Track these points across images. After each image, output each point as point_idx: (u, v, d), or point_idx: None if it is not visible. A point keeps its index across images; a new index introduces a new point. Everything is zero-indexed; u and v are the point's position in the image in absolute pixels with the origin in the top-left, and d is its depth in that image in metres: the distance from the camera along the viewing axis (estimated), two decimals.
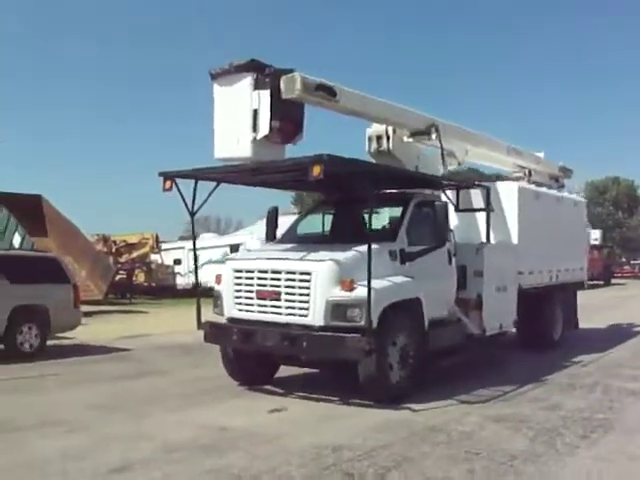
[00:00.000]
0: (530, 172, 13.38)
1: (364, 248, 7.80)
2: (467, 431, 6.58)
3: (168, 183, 8.03)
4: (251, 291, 8.09)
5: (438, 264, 8.92)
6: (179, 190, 8.24)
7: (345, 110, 8.31)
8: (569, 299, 13.14)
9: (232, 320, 8.27)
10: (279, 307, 7.84)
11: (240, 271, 8.27)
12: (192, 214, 8.52)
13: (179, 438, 6.32)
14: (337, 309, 7.38)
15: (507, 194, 10.86)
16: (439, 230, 9.01)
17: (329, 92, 7.66)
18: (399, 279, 7.97)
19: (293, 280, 7.73)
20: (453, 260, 9.23)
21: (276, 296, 7.84)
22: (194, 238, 10.02)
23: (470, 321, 9.53)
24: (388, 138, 9.65)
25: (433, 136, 9.53)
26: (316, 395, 8.03)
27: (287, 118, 7.57)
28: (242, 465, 5.52)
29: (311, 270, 7.62)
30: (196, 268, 10.00)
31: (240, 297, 8.21)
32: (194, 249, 9.60)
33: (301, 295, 7.65)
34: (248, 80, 7.54)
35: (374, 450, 5.90)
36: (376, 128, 9.78)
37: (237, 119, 7.64)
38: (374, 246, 7.86)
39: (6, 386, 8.96)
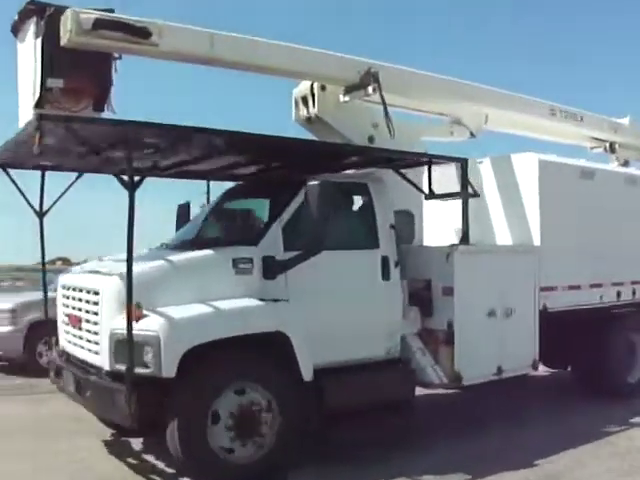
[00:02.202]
0: (612, 146, 9.49)
1: (190, 255, 5.27)
2: None
3: None
4: (64, 314, 5.93)
5: (355, 278, 5.95)
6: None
7: (183, 56, 5.71)
8: None
9: (61, 352, 6.13)
10: (81, 338, 5.54)
11: (63, 287, 6.10)
12: (40, 215, 6.49)
13: None
14: (120, 346, 4.89)
15: (524, 172, 7.38)
16: (360, 227, 6.15)
17: (134, 32, 5.18)
18: (242, 303, 5.21)
19: (86, 302, 5.38)
20: (395, 272, 6.17)
21: (78, 323, 5.54)
22: (42, 249, 6.58)
23: (438, 363, 6.37)
24: (313, 99, 6.85)
25: (370, 89, 6.51)
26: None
27: (78, 75, 5.22)
28: None
29: (98, 288, 5.21)
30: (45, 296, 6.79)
31: (61, 321, 6.08)
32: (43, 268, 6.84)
33: (90, 323, 5.29)
34: (32, 28, 5.35)
35: None
36: (301, 87, 7.02)
37: (25, 81, 5.51)
38: (206, 252, 5.32)
39: None
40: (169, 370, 4.78)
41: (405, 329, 6.38)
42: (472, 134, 8.16)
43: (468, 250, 6.53)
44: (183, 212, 7.38)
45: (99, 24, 4.97)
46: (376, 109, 7.15)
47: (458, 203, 7.47)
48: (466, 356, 6.42)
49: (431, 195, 6.86)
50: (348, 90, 6.70)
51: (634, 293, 8.32)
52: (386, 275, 6.10)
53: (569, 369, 8.56)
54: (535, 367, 7.14)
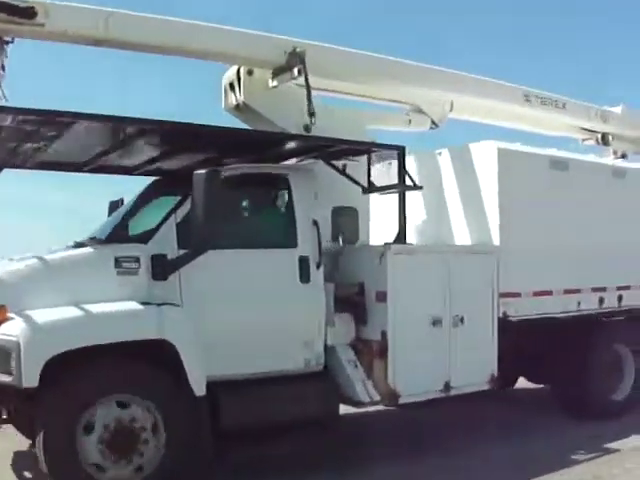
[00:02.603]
0: (605, 137, 8.57)
1: (66, 254, 4.73)
2: None
3: None
4: None
5: (265, 280, 5.27)
6: None
7: (73, 38, 5.13)
8: None
9: None
10: None
11: None
12: None
13: None
14: None
15: (482, 163, 6.57)
16: (276, 224, 5.50)
17: (18, 12, 4.66)
18: (120, 306, 4.57)
19: None
20: (317, 274, 5.46)
21: None
22: None
23: (372, 378, 5.62)
24: (240, 85, 6.21)
25: (295, 71, 5.84)
26: None
27: None
28: None
29: None
30: None
31: None
32: None
33: None
34: None
35: None
36: (228, 72, 6.39)
37: None
38: (84, 250, 4.80)
39: None
40: (30, 379, 4.20)
41: (334, 339, 5.66)
42: (434, 123, 7.41)
43: (405, 250, 5.77)
44: (114, 209, 6.84)
45: None
46: (317, 96, 6.54)
47: (418, 199, 6.81)
48: (404, 370, 5.66)
49: (370, 189, 6.13)
50: (275, 73, 6.05)
51: (620, 299, 7.37)
52: (305, 277, 5.39)
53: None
54: (493, 384, 6.29)
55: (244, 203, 5.43)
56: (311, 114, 5.85)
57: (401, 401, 5.71)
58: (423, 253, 5.95)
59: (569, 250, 6.77)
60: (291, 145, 5.83)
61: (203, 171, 4.67)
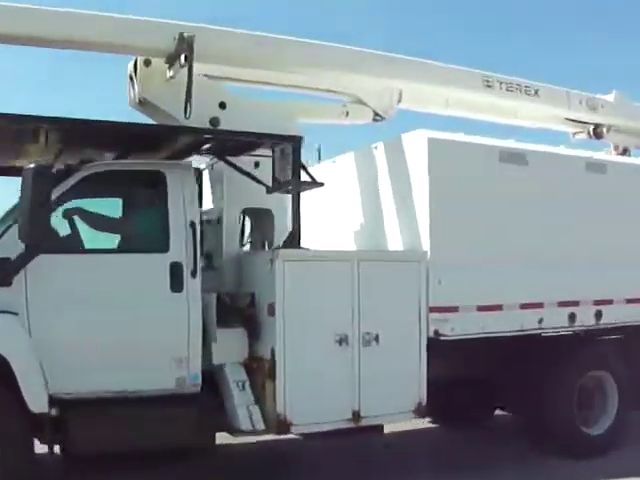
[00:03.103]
0: (598, 129, 7.48)
1: None
2: None
3: None
4: None
5: (127, 289, 4.64)
6: None
7: None
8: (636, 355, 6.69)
9: None
10: None
11: None
12: None
13: None
14: None
15: (413, 156, 5.70)
16: (145, 226, 4.92)
17: None
18: None
19: None
20: (192, 283, 4.78)
21: None
22: None
23: (260, 402, 4.88)
24: (136, 76, 5.66)
25: (182, 58, 5.22)
26: None
27: None
28: None
29: None
30: None
31: None
32: None
33: None
34: None
35: None
36: (129, 64, 5.86)
37: None
38: None
39: None
40: None
41: (222, 357, 4.98)
42: (378, 115, 6.59)
43: (298, 256, 5.00)
44: None
45: None
46: (227, 86, 5.94)
47: (356, 199, 6.11)
48: (298, 395, 4.88)
49: (275, 187, 5.41)
50: (169, 62, 5.47)
51: (599, 317, 6.25)
52: (177, 286, 4.74)
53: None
54: (421, 413, 5.40)
55: (107, 202, 4.88)
56: (186, 108, 5.21)
57: (294, 430, 4.93)
58: (322, 260, 5.15)
59: (527, 257, 5.79)
60: (182, 140, 5.24)
61: (32, 166, 4.14)
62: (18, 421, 4.15)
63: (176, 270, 4.74)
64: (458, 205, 5.56)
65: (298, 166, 5.07)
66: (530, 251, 5.82)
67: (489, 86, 6.67)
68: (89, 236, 4.71)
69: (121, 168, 4.97)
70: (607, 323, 6.31)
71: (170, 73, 5.54)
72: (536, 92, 6.94)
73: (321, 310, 5.01)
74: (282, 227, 5.64)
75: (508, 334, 5.78)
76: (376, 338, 5.17)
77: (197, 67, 5.51)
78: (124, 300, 4.60)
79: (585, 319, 6.18)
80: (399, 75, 6.37)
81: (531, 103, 6.96)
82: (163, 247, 4.77)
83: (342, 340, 5.05)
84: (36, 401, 4.19)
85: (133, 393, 4.55)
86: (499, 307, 5.73)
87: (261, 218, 5.82)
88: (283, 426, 4.86)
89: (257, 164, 5.68)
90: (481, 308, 5.64)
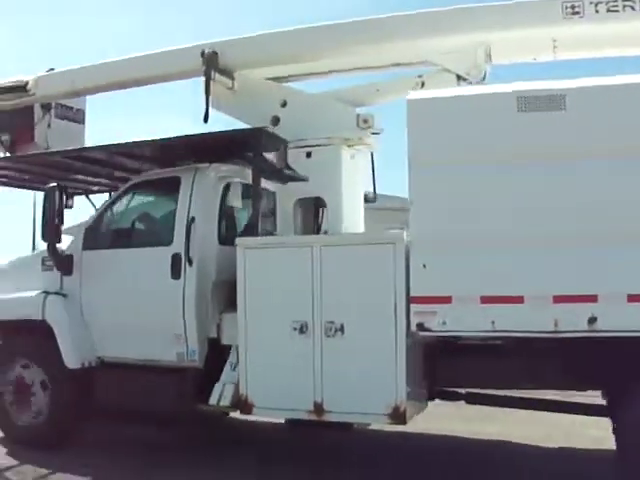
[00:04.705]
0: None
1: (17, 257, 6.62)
2: None
3: None
4: None
5: (144, 276, 5.70)
6: None
7: (56, 97, 6.77)
8: None
9: None
10: None
11: None
12: None
13: None
14: None
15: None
16: (160, 224, 5.97)
17: (16, 90, 6.80)
18: (30, 295, 5.96)
19: None
20: (189, 271, 5.47)
21: None
22: None
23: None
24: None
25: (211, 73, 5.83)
26: None
27: (16, 127, 7.14)
28: None
29: None
30: None
31: None
32: None
33: None
34: None
35: None
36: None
37: None
38: (29, 254, 6.59)
39: None
40: None
41: (229, 338, 5.46)
42: (461, 78, 5.66)
43: (257, 243, 5.06)
44: None
45: None
46: (287, 85, 6.28)
47: None
48: (259, 379, 5.04)
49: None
50: (207, 77, 6.10)
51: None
52: (176, 273, 5.51)
53: None
54: (399, 419, 4.58)
55: (143, 204, 6.01)
56: (206, 112, 5.79)
57: (256, 413, 5.10)
58: (282, 247, 5.01)
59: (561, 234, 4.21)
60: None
61: (50, 185, 5.73)
62: (60, 369, 5.71)
63: (176, 260, 5.52)
64: (448, 177, 4.50)
65: (259, 159, 5.16)
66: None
67: (576, 12, 4.91)
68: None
69: (152, 178, 6.04)
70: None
71: (229, 84, 6.25)
72: None
73: (281, 297, 4.96)
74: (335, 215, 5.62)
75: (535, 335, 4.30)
76: (341, 328, 4.75)
77: (256, 72, 6.13)
78: (140, 285, 5.67)
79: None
80: (473, 27, 5.37)
81: None
82: (169, 240, 5.63)
83: (302, 328, 4.86)
84: (71, 360, 5.68)
85: (144, 362, 5.57)
86: (520, 299, 4.33)
87: (313, 207, 5.89)
88: (245, 406, 5.06)
89: (309, 154, 5.82)
90: (487, 299, 4.40)
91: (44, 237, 5.77)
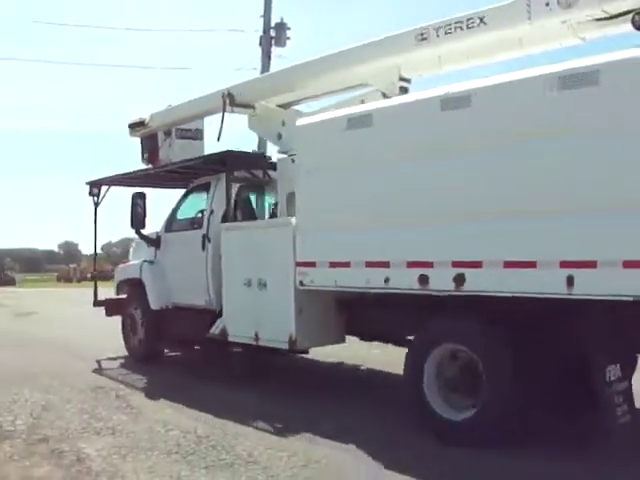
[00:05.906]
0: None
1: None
2: None
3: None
4: None
5: (188, 249, 8.66)
6: None
7: (165, 127, 9.89)
8: None
9: None
10: None
11: None
12: None
13: None
14: None
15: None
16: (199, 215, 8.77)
17: (140, 125, 10.20)
18: (138, 262, 9.36)
19: None
20: (209, 246, 8.26)
21: None
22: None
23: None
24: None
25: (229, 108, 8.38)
26: None
27: (148, 149, 10.56)
28: None
29: None
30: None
31: None
32: None
33: None
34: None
35: None
36: None
37: None
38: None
39: None
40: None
41: None
42: (384, 95, 7.33)
43: (232, 227, 7.67)
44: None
45: (130, 126, 10.45)
46: (285, 110, 8.60)
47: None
48: (230, 316, 7.60)
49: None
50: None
51: (459, 281, 5.20)
52: (204, 248, 8.33)
53: None
54: (294, 346, 6.72)
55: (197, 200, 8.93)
56: (219, 132, 8.36)
57: (230, 339, 7.58)
58: (240, 229, 7.44)
59: (374, 218, 5.93)
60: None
61: (135, 192, 9.00)
62: (149, 310, 9.00)
63: (204, 239, 8.35)
64: (315, 178, 6.46)
65: (228, 172, 7.71)
66: (376, 212, 5.90)
67: (424, 39, 6.28)
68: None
69: (201, 182, 8.87)
70: (471, 290, 5.17)
71: (252, 112, 8.76)
72: (481, 20, 5.80)
73: (239, 262, 7.43)
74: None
75: (357, 290, 6.10)
76: (265, 284, 7.07)
77: (271, 101, 8.58)
78: (187, 255, 8.64)
79: (441, 283, 5.37)
80: (382, 54, 7.00)
81: (483, 35, 5.86)
82: (201, 226, 8.46)
83: (248, 283, 7.28)
84: (154, 304, 8.93)
85: (191, 305, 8.55)
86: (347, 264, 6.15)
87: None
88: (223, 335, 7.64)
89: (293, 160, 8.10)
90: (333, 264, 6.29)
91: (132, 225, 9.12)
